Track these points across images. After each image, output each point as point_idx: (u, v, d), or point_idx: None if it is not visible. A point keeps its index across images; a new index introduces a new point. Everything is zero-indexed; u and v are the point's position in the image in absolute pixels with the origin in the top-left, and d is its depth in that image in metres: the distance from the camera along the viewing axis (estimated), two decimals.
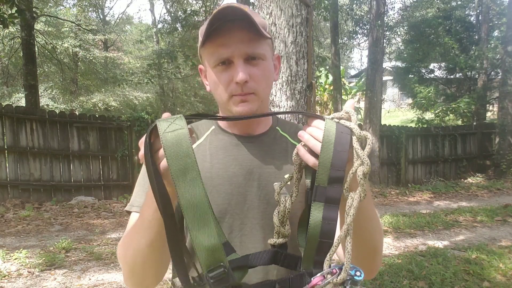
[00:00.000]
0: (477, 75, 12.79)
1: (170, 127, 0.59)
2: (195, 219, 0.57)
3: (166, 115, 0.63)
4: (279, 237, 0.71)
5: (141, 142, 0.63)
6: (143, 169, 0.90)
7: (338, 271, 0.58)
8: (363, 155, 0.60)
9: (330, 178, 0.61)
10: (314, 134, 0.66)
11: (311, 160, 0.66)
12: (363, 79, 15.58)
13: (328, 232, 0.61)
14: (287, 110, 2.33)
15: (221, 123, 0.95)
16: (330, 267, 0.59)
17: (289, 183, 0.74)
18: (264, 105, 0.89)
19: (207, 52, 0.83)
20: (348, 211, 0.59)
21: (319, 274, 0.59)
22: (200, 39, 0.83)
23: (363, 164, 0.59)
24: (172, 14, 14.53)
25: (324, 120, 0.65)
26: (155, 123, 0.60)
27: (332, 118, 0.66)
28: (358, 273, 0.59)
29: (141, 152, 0.63)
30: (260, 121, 0.93)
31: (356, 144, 0.61)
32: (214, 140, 0.92)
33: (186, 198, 0.57)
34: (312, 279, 0.59)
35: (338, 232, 0.62)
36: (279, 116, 1.06)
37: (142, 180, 0.89)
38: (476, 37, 13.22)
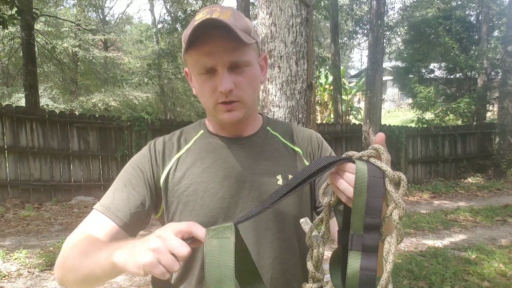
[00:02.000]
0: (477, 75, 12.79)
1: (217, 234, 0.58)
2: None
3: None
4: (314, 281, 0.69)
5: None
6: (125, 168, 0.90)
7: None
8: (398, 198, 0.58)
9: (365, 225, 0.59)
10: (346, 178, 0.62)
11: (343, 197, 0.63)
12: (363, 79, 15.58)
13: (368, 282, 0.58)
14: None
15: (210, 127, 0.95)
16: None
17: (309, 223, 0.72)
18: (251, 110, 0.89)
19: (191, 59, 0.83)
20: (386, 258, 0.57)
21: None
22: (183, 44, 0.82)
23: (398, 207, 0.57)
24: (172, 14, 14.55)
25: (354, 162, 0.61)
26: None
27: (361, 157, 0.62)
28: None
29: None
30: (249, 123, 0.93)
31: (389, 187, 0.59)
32: (203, 144, 0.92)
33: None
34: None
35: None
36: (269, 114, 1.05)
37: (119, 184, 0.88)
38: (476, 37, 13.22)
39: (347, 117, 16.13)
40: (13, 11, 5.44)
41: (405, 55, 13.54)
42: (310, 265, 0.69)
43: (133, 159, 0.92)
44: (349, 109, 16.12)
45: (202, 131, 0.95)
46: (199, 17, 0.79)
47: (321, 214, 0.70)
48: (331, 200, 0.68)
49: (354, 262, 0.59)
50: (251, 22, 0.88)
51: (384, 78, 14.28)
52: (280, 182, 0.87)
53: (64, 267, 0.76)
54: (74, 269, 0.73)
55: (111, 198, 0.85)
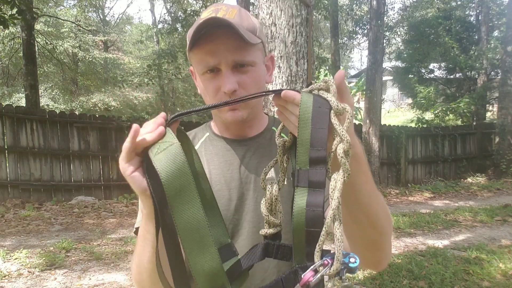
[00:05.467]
0: (477, 75, 12.80)
1: (160, 146, 0.56)
2: (193, 243, 0.54)
3: (161, 116, 0.61)
4: (270, 227, 0.64)
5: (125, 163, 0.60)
6: None
7: (330, 262, 0.51)
8: (341, 131, 0.54)
9: (311, 159, 0.55)
10: (290, 109, 0.60)
11: (293, 128, 0.61)
12: (363, 79, 15.58)
13: (315, 219, 0.54)
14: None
15: (215, 129, 0.95)
16: (321, 258, 0.53)
17: (273, 169, 0.67)
18: (255, 111, 0.89)
19: (195, 58, 0.82)
20: (332, 194, 0.52)
21: (309, 269, 0.53)
22: (188, 43, 0.82)
23: (342, 141, 0.53)
24: (172, 14, 14.55)
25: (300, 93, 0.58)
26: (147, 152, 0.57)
27: (311, 91, 0.59)
28: (352, 260, 0.52)
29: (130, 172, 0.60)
30: (252, 125, 0.92)
31: (334, 119, 0.55)
32: (209, 146, 0.92)
33: (182, 221, 0.53)
34: (302, 276, 0.53)
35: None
36: (269, 114, 1.04)
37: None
38: (476, 37, 13.23)
39: None
40: (14, 11, 5.44)
41: (405, 55, 13.55)
42: (263, 208, 0.63)
43: None
44: None
45: (207, 134, 0.95)
46: (204, 16, 0.79)
47: (276, 156, 0.65)
48: (286, 140, 0.63)
49: (300, 199, 0.55)
50: (258, 21, 0.87)
51: (384, 78, 14.29)
52: (285, 182, 0.86)
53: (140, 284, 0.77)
54: (140, 274, 0.74)
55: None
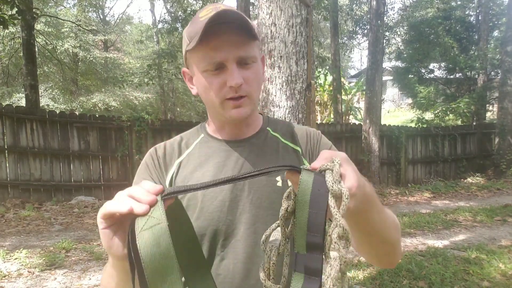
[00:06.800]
0: (477, 75, 12.80)
1: (147, 222, 0.52)
2: None
3: (159, 188, 0.56)
4: None
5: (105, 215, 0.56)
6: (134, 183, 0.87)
7: None
8: (335, 214, 0.51)
9: (308, 244, 0.53)
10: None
11: None
12: (363, 79, 15.59)
13: None
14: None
15: (210, 130, 0.95)
16: None
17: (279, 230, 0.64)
18: (255, 107, 0.89)
19: (197, 55, 0.81)
20: (325, 282, 0.50)
21: None
22: (187, 41, 0.81)
23: (337, 226, 0.51)
24: (172, 14, 14.55)
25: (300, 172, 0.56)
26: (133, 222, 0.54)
27: (318, 169, 0.57)
28: None
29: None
30: (249, 123, 0.92)
31: (330, 201, 0.52)
32: (203, 148, 0.92)
33: None
34: None
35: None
36: (270, 114, 1.03)
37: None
38: (476, 37, 13.23)
39: (347, 117, 16.14)
40: (14, 11, 5.45)
41: (405, 55, 13.55)
42: (261, 274, 0.61)
43: (139, 172, 0.91)
44: (349, 109, 16.13)
45: (202, 135, 0.94)
46: (204, 14, 0.78)
47: (277, 221, 0.62)
48: (289, 206, 0.60)
49: (297, 285, 0.54)
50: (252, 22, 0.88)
51: (384, 78, 14.30)
52: (279, 183, 0.86)
53: None
54: None
55: None
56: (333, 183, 0.53)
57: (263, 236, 0.62)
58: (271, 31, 2.69)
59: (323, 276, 0.53)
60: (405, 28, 15.03)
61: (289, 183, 0.63)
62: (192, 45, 0.79)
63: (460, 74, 13.28)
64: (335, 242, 0.51)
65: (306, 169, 0.56)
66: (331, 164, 0.56)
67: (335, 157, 0.58)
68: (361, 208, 0.60)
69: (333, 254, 0.52)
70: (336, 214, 0.51)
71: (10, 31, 11.83)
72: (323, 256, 0.54)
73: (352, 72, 37.25)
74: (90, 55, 16.62)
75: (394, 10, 23.33)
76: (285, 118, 2.64)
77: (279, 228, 0.62)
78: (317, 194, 0.53)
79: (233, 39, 0.78)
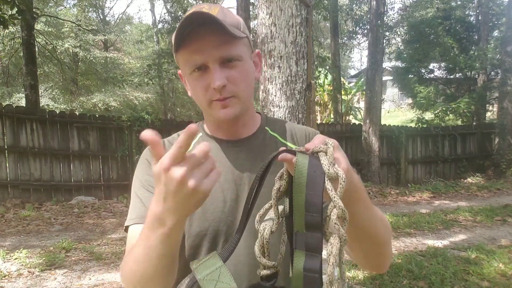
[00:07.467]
0: (477, 75, 12.81)
1: (213, 275, 0.58)
2: None
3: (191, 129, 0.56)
4: (265, 268, 0.65)
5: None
6: (136, 180, 0.88)
7: None
8: (334, 196, 0.54)
9: (306, 224, 0.55)
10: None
11: None
12: (363, 79, 15.59)
13: (311, 284, 0.55)
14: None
15: (207, 129, 0.94)
16: None
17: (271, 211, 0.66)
18: (246, 106, 0.87)
19: (182, 58, 0.81)
20: (328, 259, 0.53)
21: None
22: (173, 45, 0.81)
23: (336, 207, 0.54)
24: (172, 14, 14.56)
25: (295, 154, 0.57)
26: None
27: (311, 151, 0.58)
28: None
29: None
30: (245, 123, 0.91)
31: (328, 184, 0.54)
32: None
33: None
34: None
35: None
36: (269, 114, 1.02)
37: (140, 193, 0.85)
38: (476, 37, 13.23)
39: (347, 117, 16.14)
40: (14, 11, 5.45)
41: (405, 55, 13.55)
42: (256, 250, 0.63)
43: (142, 168, 0.90)
44: (348, 109, 16.12)
45: (201, 134, 0.93)
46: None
47: (270, 201, 0.64)
48: (281, 186, 0.62)
49: (298, 262, 0.56)
50: (241, 18, 0.86)
51: (384, 78, 14.29)
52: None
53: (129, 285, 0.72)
54: (133, 277, 0.69)
55: (137, 209, 0.83)
56: (328, 166, 0.55)
57: (257, 216, 0.65)
58: (271, 31, 2.69)
59: (324, 253, 0.55)
60: (405, 28, 15.02)
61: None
62: (174, 48, 0.79)
63: (460, 74, 13.28)
64: (335, 223, 0.54)
65: (301, 151, 0.58)
66: (324, 147, 0.58)
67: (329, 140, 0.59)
68: (346, 196, 0.59)
69: (333, 233, 0.55)
70: (334, 197, 0.54)
71: (10, 31, 11.83)
72: (322, 235, 0.56)
73: (352, 72, 37.25)
74: (90, 55, 16.63)
75: (394, 10, 23.33)
76: (285, 118, 2.64)
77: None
78: (313, 176, 0.55)
79: (214, 40, 0.76)
